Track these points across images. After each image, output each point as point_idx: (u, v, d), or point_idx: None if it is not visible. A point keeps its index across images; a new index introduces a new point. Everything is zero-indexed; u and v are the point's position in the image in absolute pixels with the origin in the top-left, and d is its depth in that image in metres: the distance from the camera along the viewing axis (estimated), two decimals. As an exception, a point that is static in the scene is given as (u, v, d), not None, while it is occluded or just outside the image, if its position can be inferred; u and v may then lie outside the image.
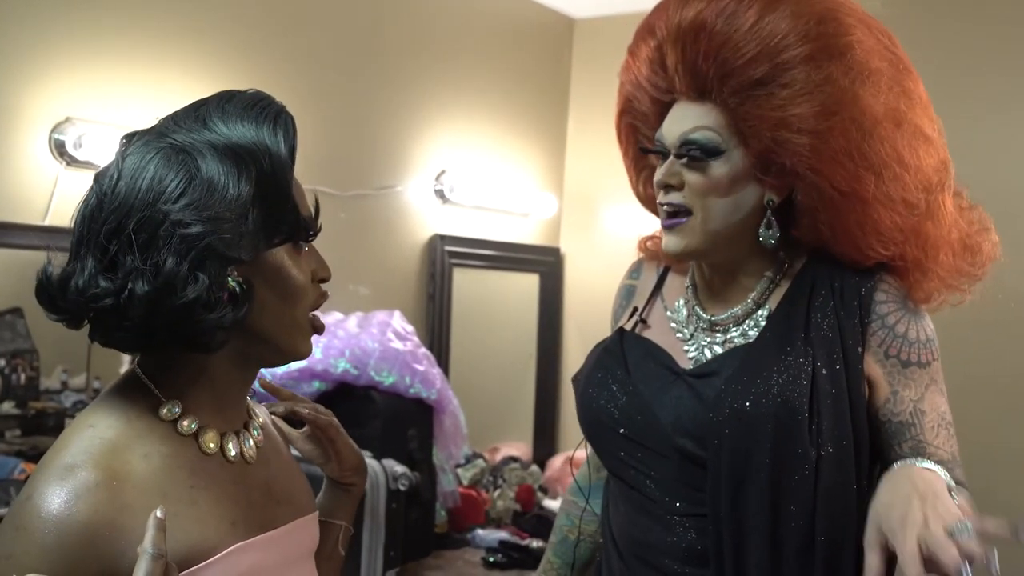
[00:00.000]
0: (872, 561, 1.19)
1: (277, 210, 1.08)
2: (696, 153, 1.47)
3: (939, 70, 3.02)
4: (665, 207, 1.50)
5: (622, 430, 1.55)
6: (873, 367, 1.46)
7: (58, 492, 0.98)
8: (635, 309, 1.68)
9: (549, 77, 4.23)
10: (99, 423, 1.06)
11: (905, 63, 1.50)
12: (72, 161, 2.53)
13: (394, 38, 3.53)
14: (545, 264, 4.18)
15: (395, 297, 3.50)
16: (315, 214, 1.17)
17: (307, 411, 1.37)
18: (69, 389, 2.71)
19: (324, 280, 1.18)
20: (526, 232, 4.11)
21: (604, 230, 4.15)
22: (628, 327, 1.66)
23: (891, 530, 1.19)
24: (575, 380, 1.66)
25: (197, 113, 1.10)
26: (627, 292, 1.77)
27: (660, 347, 1.59)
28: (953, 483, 1.30)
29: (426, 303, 3.67)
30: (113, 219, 1.03)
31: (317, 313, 1.19)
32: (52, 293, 1.05)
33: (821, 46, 1.42)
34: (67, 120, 2.54)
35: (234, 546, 1.08)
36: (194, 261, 1.02)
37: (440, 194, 3.68)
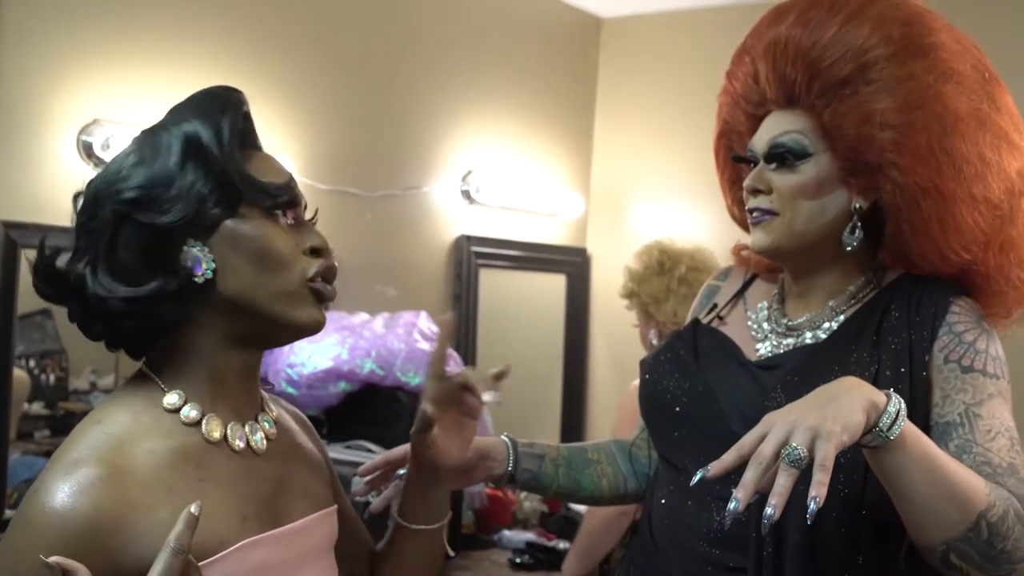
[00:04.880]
0: (727, 456, 1.19)
1: (211, 178, 1.11)
2: (784, 155, 1.50)
3: None
4: (754, 213, 1.53)
5: (678, 408, 1.57)
6: (931, 375, 1.44)
7: (62, 487, 1.01)
8: (715, 305, 1.71)
9: (576, 77, 4.21)
10: (106, 419, 1.09)
11: (991, 72, 1.52)
12: (100, 163, 2.53)
13: (421, 39, 3.53)
14: (572, 264, 4.17)
15: (421, 298, 3.50)
16: (284, 186, 1.17)
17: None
18: (98, 390, 2.73)
19: (317, 250, 1.17)
20: (553, 232, 4.10)
21: (631, 230, 4.14)
22: (704, 321, 1.67)
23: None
24: (643, 362, 1.69)
25: (167, 113, 1.18)
26: (710, 291, 1.80)
27: (731, 339, 1.62)
28: (896, 401, 1.22)
29: (452, 304, 3.67)
30: (83, 214, 1.12)
31: (325, 288, 1.17)
32: (42, 286, 1.13)
33: (905, 45, 1.45)
34: (95, 122, 2.55)
35: (243, 541, 1.08)
36: (117, 229, 1.08)
37: (466, 195, 3.68)
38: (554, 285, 4.14)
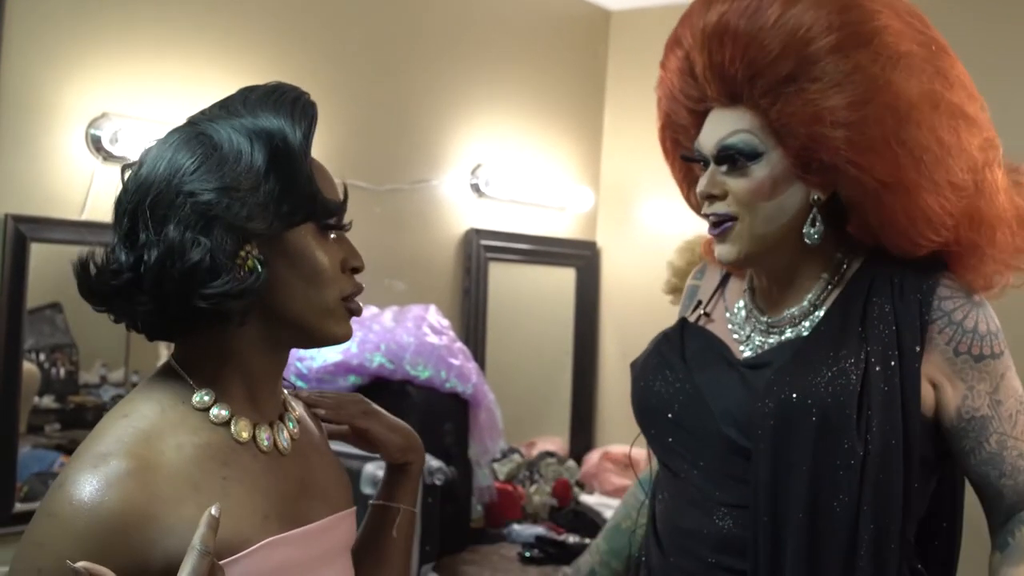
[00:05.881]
0: None
1: (292, 187, 1.09)
2: (736, 157, 1.45)
3: (988, 42, 2.97)
4: (711, 217, 1.50)
5: (670, 415, 1.55)
6: (940, 367, 1.43)
7: (90, 480, 0.99)
8: (699, 303, 1.69)
9: (585, 70, 4.20)
10: (133, 412, 1.08)
11: (939, 43, 1.46)
12: (108, 156, 2.53)
13: (429, 32, 3.52)
14: (582, 258, 4.16)
15: (431, 291, 3.50)
16: (343, 203, 1.17)
17: (323, 412, 1.35)
18: (108, 383, 2.72)
19: (356, 270, 1.18)
20: (562, 226, 4.09)
21: (641, 224, 4.13)
22: (691, 319, 1.66)
23: None
24: (633, 365, 1.67)
25: (223, 104, 1.14)
26: (691, 292, 1.78)
27: (719, 339, 1.59)
28: None
29: (462, 297, 3.66)
30: (134, 200, 1.07)
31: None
32: (81, 275, 1.09)
33: (847, 35, 1.39)
34: (103, 115, 2.55)
35: (265, 540, 1.08)
36: (201, 227, 1.05)
37: (475, 188, 3.67)
38: (564, 279, 4.13)
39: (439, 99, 3.56)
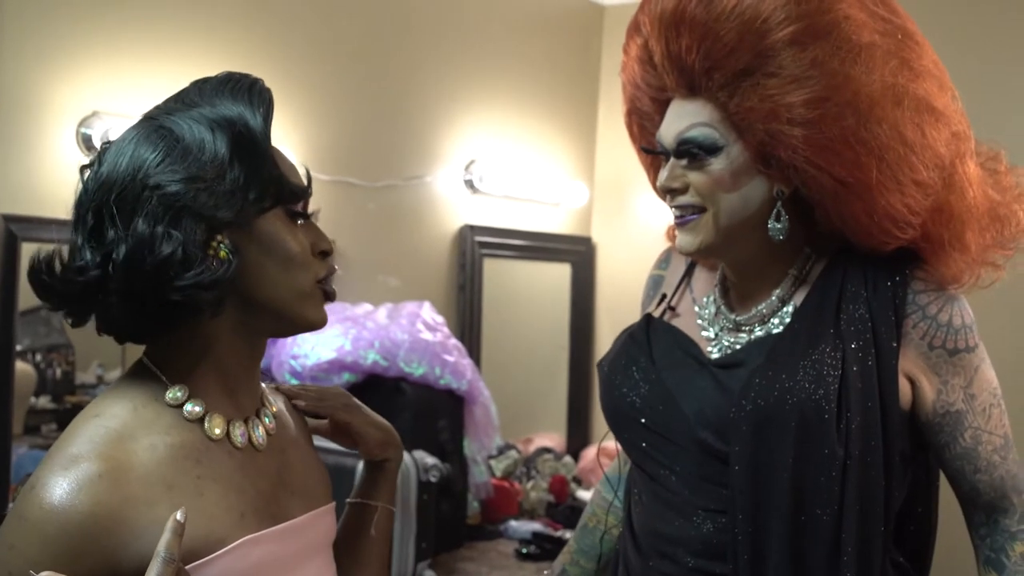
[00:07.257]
0: None
1: (257, 173, 1.09)
2: (695, 151, 1.42)
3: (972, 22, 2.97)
4: (675, 211, 1.47)
5: (643, 420, 1.51)
6: (915, 361, 1.40)
7: (60, 483, 0.99)
8: (664, 296, 1.65)
9: (579, 65, 4.20)
10: (105, 412, 1.07)
11: (906, 30, 1.40)
12: (100, 155, 2.53)
13: (422, 28, 3.51)
14: (577, 253, 4.16)
15: (425, 288, 3.49)
16: (308, 188, 1.17)
17: (303, 404, 1.35)
18: (104, 383, 2.72)
19: (326, 252, 1.18)
20: (557, 221, 4.09)
21: (636, 219, 4.12)
22: (656, 314, 1.63)
23: None
24: (600, 366, 1.63)
25: (178, 97, 1.14)
26: (655, 282, 1.74)
27: (687, 335, 1.55)
28: None
29: (456, 294, 3.66)
30: (96, 198, 1.07)
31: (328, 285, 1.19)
32: (42, 274, 1.08)
33: (805, 26, 1.33)
34: (94, 114, 2.54)
35: (242, 539, 1.07)
36: (170, 220, 1.04)
37: (470, 184, 3.66)
38: (559, 274, 4.13)
39: (433, 95, 3.56)
